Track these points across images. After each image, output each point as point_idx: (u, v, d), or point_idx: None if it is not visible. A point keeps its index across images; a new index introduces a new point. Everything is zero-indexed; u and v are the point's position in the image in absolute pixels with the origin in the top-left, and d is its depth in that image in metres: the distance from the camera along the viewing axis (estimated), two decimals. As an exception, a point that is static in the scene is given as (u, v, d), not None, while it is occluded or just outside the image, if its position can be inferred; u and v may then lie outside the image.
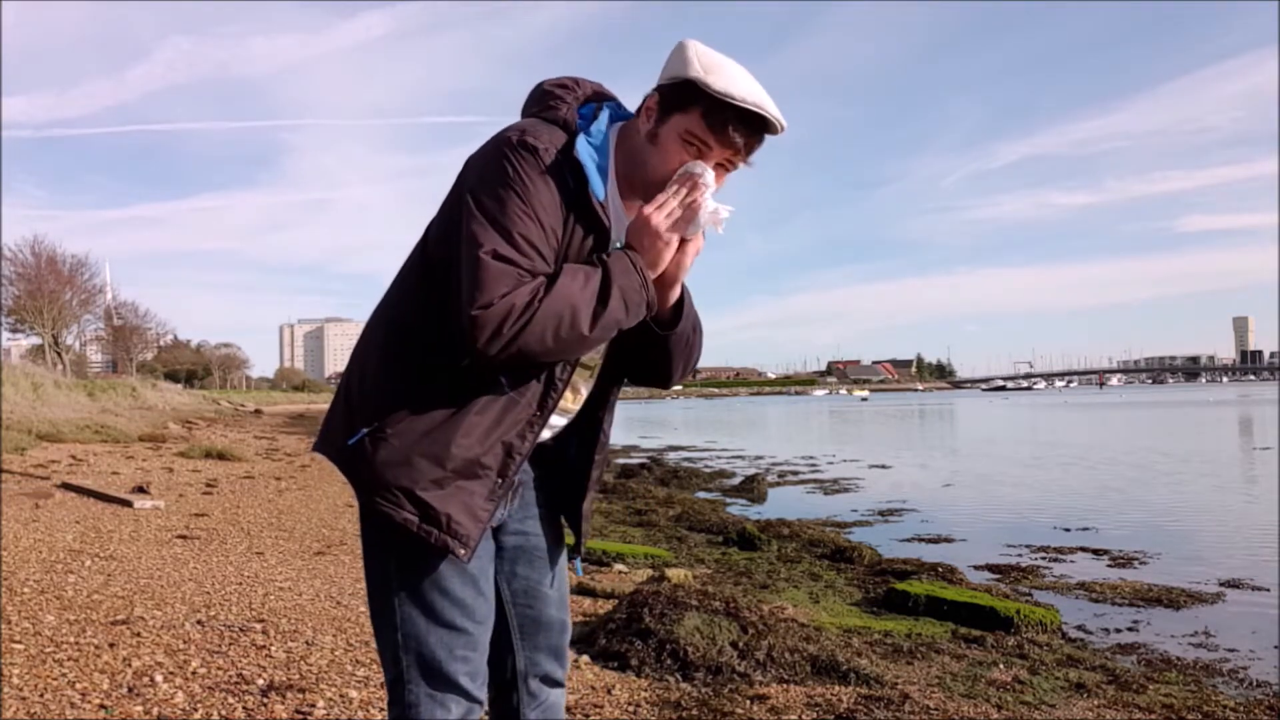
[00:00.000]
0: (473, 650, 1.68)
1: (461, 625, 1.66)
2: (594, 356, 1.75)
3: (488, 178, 1.56)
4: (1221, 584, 6.82)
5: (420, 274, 1.66)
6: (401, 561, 1.65)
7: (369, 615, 1.75)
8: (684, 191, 1.60)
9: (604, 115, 1.66)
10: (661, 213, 1.60)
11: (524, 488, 1.80)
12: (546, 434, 1.75)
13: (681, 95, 1.59)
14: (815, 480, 15.23)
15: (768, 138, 1.64)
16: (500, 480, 1.64)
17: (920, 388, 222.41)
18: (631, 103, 1.76)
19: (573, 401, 1.76)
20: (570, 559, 1.91)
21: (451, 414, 1.59)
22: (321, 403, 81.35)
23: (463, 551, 1.61)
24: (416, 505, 1.58)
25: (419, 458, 1.58)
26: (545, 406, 1.65)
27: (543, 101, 1.68)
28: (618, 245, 1.66)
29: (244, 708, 3.32)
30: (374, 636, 1.73)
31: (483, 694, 1.71)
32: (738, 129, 1.59)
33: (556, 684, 1.86)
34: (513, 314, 1.48)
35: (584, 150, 1.58)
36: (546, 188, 1.54)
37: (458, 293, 1.53)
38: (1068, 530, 9.55)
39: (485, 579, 1.70)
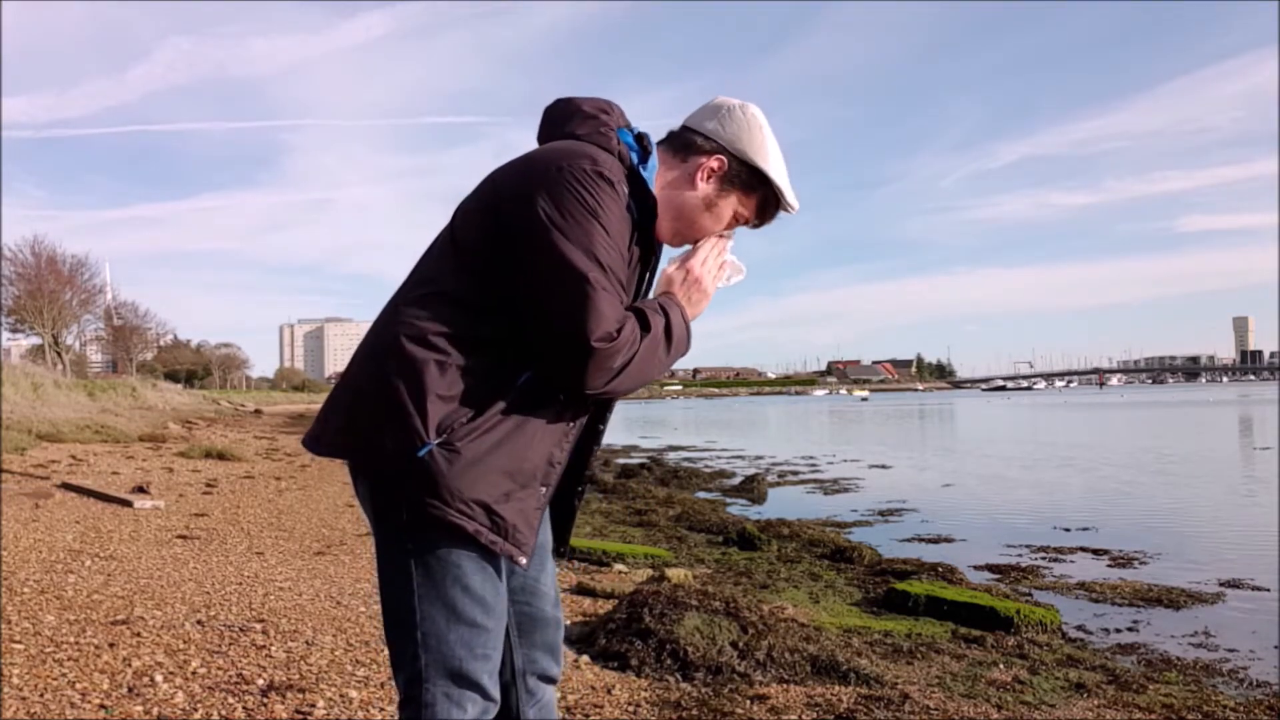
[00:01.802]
0: (493, 649, 1.69)
1: (482, 623, 1.65)
2: None
3: (567, 204, 1.56)
4: (1221, 584, 6.81)
5: (470, 285, 1.63)
6: (422, 559, 1.63)
7: (380, 614, 1.74)
8: (718, 249, 1.79)
9: (654, 156, 1.76)
10: (706, 269, 1.76)
11: None
12: None
13: (751, 180, 1.76)
14: (815, 480, 15.23)
15: None
16: (544, 489, 1.68)
17: (920, 388, 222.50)
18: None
19: None
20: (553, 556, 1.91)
21: (517, 427, 1.61)
22: (321, 402, 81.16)
23: (523, 560, 1.65)
24: (490, 516, 1.60)
25: (492, 472, 1.59)
26: (578, 416, 1.70)
27: (586, 124, 1.72)
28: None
29: (244, 708, 3.32)
30: (386, 636, 1.71)
31: (498, 693, 1.71)
32: (773, 218, 1.83)
33: (551, 681, 1.87)
34: (625, 351, 1.57)
35: (654, 189, 1.71)
36: (622, 221, 1.62)
37: (534, 315, 1.57)
38: (1068, 530, 9.55)
39: (500, 577, 1.71)
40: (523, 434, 1.62)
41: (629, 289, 1.67)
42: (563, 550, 1.91)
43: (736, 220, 1.79)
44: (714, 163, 1.74)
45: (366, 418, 1.62)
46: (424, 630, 1.63)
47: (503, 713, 1.82)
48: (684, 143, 1.77)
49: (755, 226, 1.83)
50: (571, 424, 1.70)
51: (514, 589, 1.80)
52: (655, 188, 1.73)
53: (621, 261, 1.60)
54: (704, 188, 1.74)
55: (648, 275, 1.80)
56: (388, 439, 1.58)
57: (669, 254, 1.85)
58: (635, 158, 1.71)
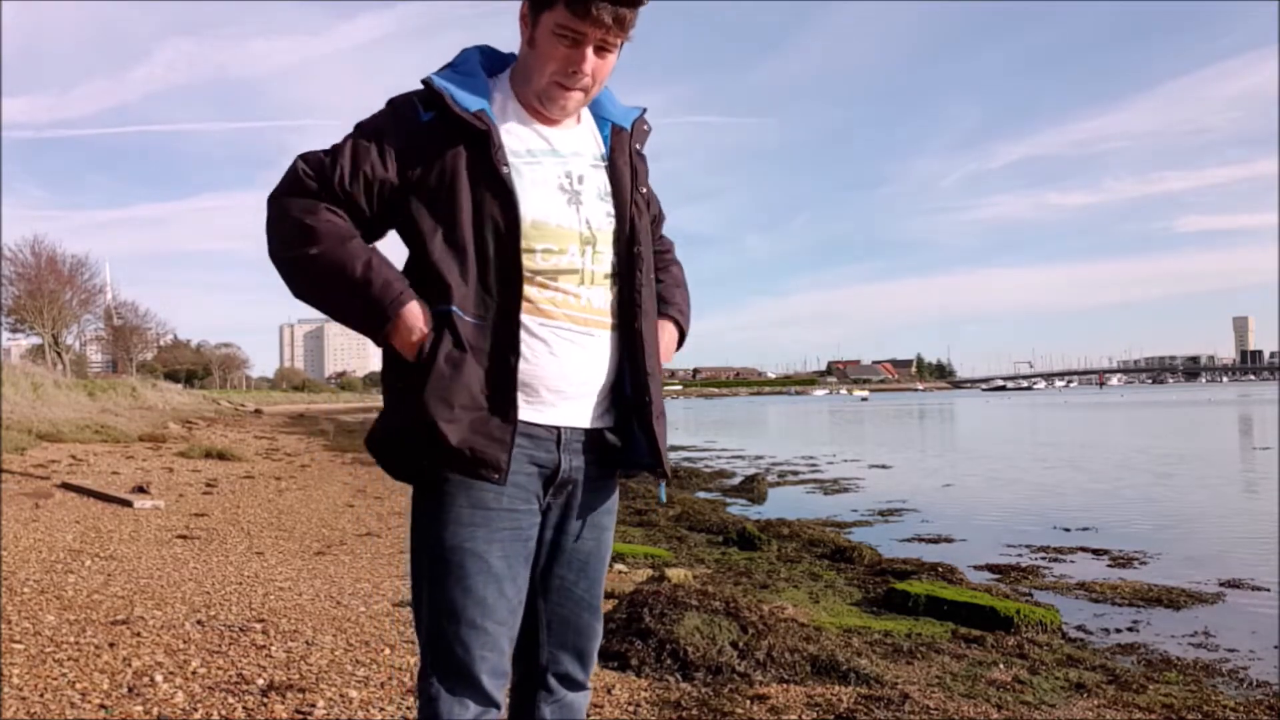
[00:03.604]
0: (491, 651, 1.70)
1: (482, 624, 1.68)
2: (573, 262, 1.73)
3: None
4: (1221, 584, 6.81)
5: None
6: (434, 558, 1.70)
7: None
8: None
9: (470, 50, 1.80)
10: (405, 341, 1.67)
11: (576, 488, 1.80)
12: (579, 351, 1.74)
13: None
14: (815, 480, 15.23)
15: (642, 12, 1.68)
16: (506, 405, 1.66)
17: (920, 388, 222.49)
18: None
19: (581, 309, 1.74)
20: (658, 479, 1.88)
21: (440, 365, 1.64)
22: (322, 402, 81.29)
23: (495, 475, 1.65)
24: (446, 457, 1.63)
25: (429, 400, 1.62)
26: (510, 319, 1.67)
27: None
28: (557, 153, 1.75)
29: (244, 708, 3.32)
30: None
31: (500, 695, 1.73)
32: (601, 6, 1.62)
33: (577, 685, 1.86)
34: (284, 223, 1.67)
35: (438, 79, 1.70)
36: (384, 116, 1.71)
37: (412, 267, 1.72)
38: (1068, 530, 9.55)
39: (511, 582, 1.72)
40: (448, 362, 1.63)
41: (470, 165, 1.66)
42: (661, 472, 1.84)
43: (563, 40, 1.66)
44: (522, 11, 1.72)
45: None
46: (429, 628, 1.71)
47: (521, 709, 1.84)
48: None
49: (618, 33, 1.67)
50: (505, 324, 1.66)
51: (550, 589, 1.82)
52: (509, 78, 1.79)
53: (359, 153, 1.67)
54: (524, 34, 1.73)
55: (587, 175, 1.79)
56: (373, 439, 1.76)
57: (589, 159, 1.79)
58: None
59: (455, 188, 1.65)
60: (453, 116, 1.66)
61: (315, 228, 1.64)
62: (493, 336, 1.66)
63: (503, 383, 1.66)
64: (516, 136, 1.72)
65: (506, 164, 1.68)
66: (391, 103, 1.73)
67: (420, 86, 1.75)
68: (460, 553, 1.67)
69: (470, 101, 1.67)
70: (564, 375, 1.71)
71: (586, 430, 1.77)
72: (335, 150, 1.69)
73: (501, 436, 1.65)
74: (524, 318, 1.68)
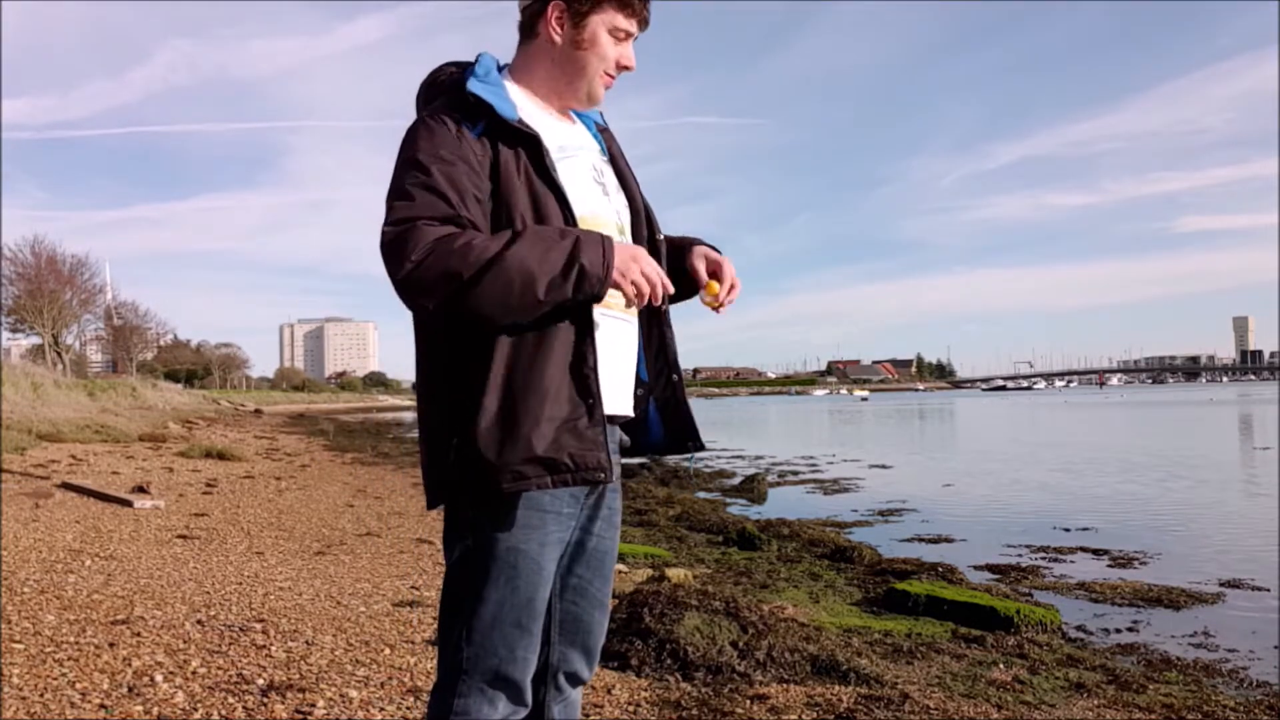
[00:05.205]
0: (532, 653, 1.73)
1: (527, 627, 1.70)
2: None
3: (397, 158, 1.67)
4: (1221, 584, 6.81)
5: None
6: (488, 560, 1.68)
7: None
8: (649, 285, 1.67)
9: (483, 57, 1.79)
10: (642, 274, 1.66)
11: (607, 486, 1.81)
12: (621, 339, 1.79)
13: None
14: (815, 480, 15.23)
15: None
16: (591, 402, 1.66)
17: (920, 387, 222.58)
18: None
19: (624, 308, 1.79)
20: (692, 451, 1.92)
21: (513, 375, 1.61)
22: (321, 402, 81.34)
23: (603, 476, 1.66)
24: (543, 466, 1.60)
25: (516, 427, 1.60)
26: (586, 317, 1.68)
27: (425, 94, 1.82)
28: (574, 151, 1.79)
29: (244, 708, 3.32)
30: (439, 622, 1.76)
31: (529, 697, 1.74)
32: (645, 6, 1.79)
33: (580, 683, 1.88)
34: (444, 259, 1.53)
35: (477, 87, 1.70)
36: (446, 133, 1.65)
37: None
38: (1068, 530, 9.55)
39: (550, 585, 1.75)
40: (526, 375, 1.62)
41: (522, 171, 1.67)
42: (695, 445, 1.89)
43: (617, 36, 1.77)
44: (553, 12, 1.75)
45: (422, 465, 1.77)
46: (472, 625, 1.68)
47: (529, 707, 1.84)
48: (522, 24, 1.81)
49: (643, 25, 1.81)
50: (583, 323, 1.67)
51: (567, 587, 1.82)
52: (522, 76, 1.80)
53: (447, 167, 1.60)
54: (561, 35, 1.76)
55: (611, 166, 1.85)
56: (433, 467, 1.69)
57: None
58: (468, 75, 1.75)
59: (512, 193, 1.66)
60: (504, 126, 1.68)
61: (472, 239, 1.55)
62: (563, 336, 1.66)
63: (582, 382, 1.66)
64: (549, 135, 1.75)
65: (555, 166, 1.71)
66: (438, 120, 1.67)
67: (419, 90, 1.81)
68: (515, 554, 1.67)
69: (508, 108, 1.70)
70: (610, 363, 1.74)
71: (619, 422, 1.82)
72: (425, 186, 1.59)
73: (594, 436, 1.66)
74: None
